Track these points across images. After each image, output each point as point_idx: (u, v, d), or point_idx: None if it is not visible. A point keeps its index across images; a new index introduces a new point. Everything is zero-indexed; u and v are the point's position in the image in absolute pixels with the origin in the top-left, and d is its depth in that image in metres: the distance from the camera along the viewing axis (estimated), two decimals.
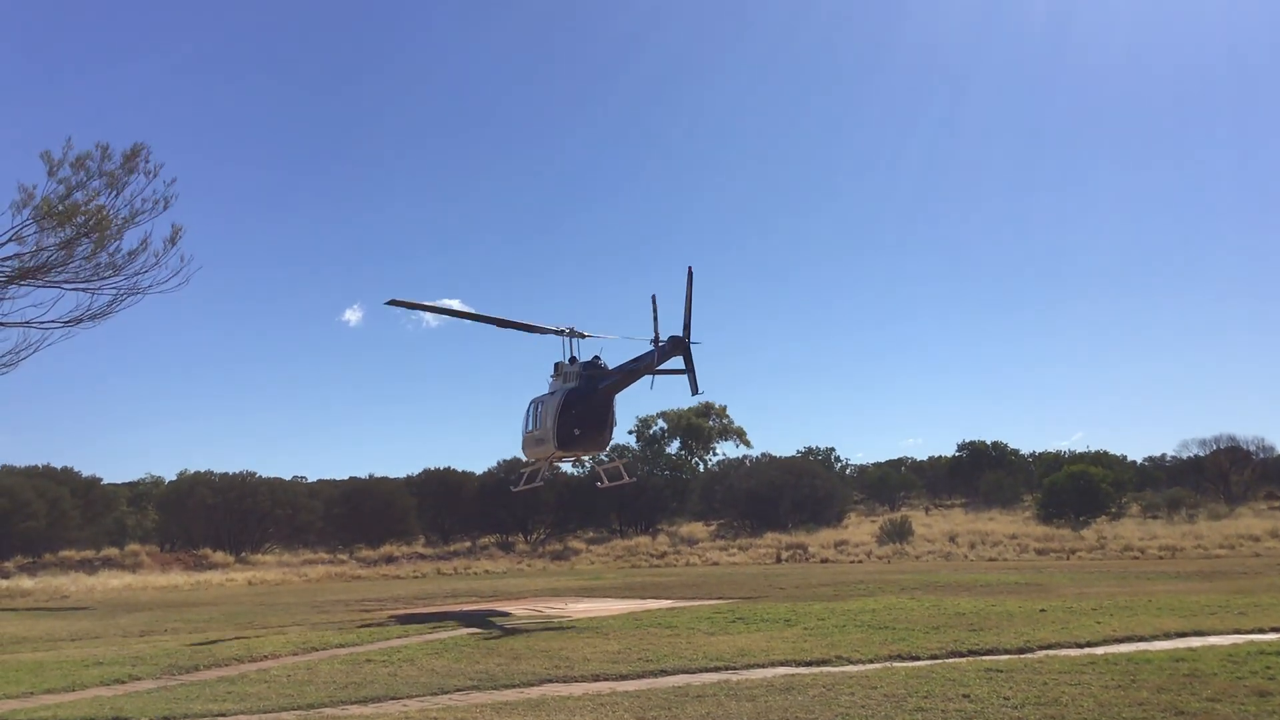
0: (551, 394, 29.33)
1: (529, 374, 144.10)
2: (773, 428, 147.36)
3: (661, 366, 26.87)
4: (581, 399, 28.23)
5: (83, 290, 21.87)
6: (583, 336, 29.05)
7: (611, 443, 29.50)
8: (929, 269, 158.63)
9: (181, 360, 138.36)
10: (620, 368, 28.17)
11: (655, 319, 26.37)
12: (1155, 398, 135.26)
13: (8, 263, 20.49)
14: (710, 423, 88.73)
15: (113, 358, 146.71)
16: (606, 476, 31.89)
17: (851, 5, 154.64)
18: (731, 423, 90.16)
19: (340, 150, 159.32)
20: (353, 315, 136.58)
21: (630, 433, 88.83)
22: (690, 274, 25.99)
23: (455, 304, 29.51)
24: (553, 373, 29.90)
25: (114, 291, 22.25)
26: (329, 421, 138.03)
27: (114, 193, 21.38)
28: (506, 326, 28.44)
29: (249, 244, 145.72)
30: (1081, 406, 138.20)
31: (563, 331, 28.90)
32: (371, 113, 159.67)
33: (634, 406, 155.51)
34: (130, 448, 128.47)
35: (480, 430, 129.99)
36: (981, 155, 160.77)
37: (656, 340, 26.53)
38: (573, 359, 29.16)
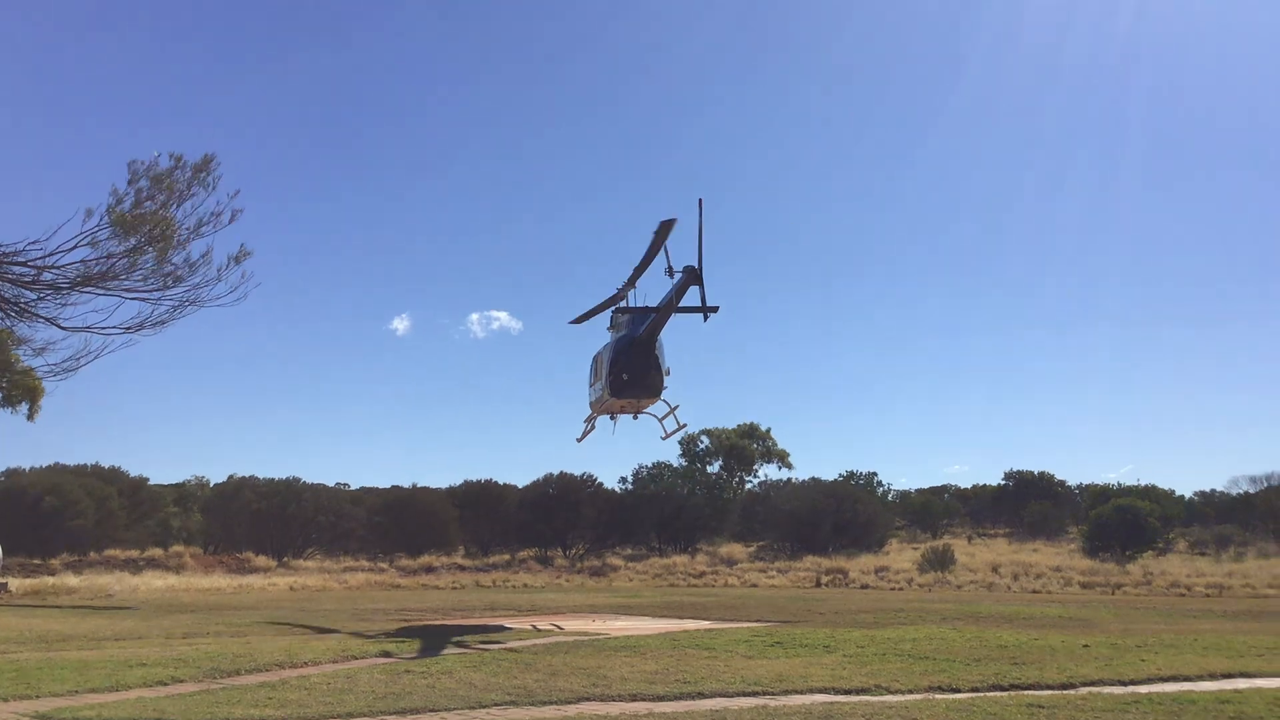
0: (606, 346, 30.35)
1: (573, 387, 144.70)
2: (816, 451, 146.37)
3: (683, 302, 27.29)
4: (629, 345, 28.89)
5: (142, 299, 22.21)
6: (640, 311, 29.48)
7: (665, 390, 29.80)
8: (982, 294, 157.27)
9: (231, 363, 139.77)
10: (654, 309, 28.59)
11: (666, 251, 27.15)
12: (1207, 431, 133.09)
13: (73, 268, 20.89)
14: (754, 444, 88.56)
15: (163, 359, 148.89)
16: (664, 427, 31.80)
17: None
18: (775, 444, 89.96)
19: (392, 159, 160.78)
20: (400, 324, 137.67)
21: (677, 451, 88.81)
22: (700, 205, 26.89)
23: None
24: (609, 325, 30.96)
25: (174, 301, 22.57)
26: (374, 429, 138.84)
27: (180, 203, 21.74)
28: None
29: (301, 249, 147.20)
30: (1131, 438, 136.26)
31: (621, 310, 30.09)
32: (425, 121, 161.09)
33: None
34: (178, 449, 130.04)
35: (523, 443, 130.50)
36: (1048, 178, 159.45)
37: (670, 270, 27.23)
38: (621, 308, 30.09)
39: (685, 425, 31.78)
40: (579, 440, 33.99)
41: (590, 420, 33.05)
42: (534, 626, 26.25)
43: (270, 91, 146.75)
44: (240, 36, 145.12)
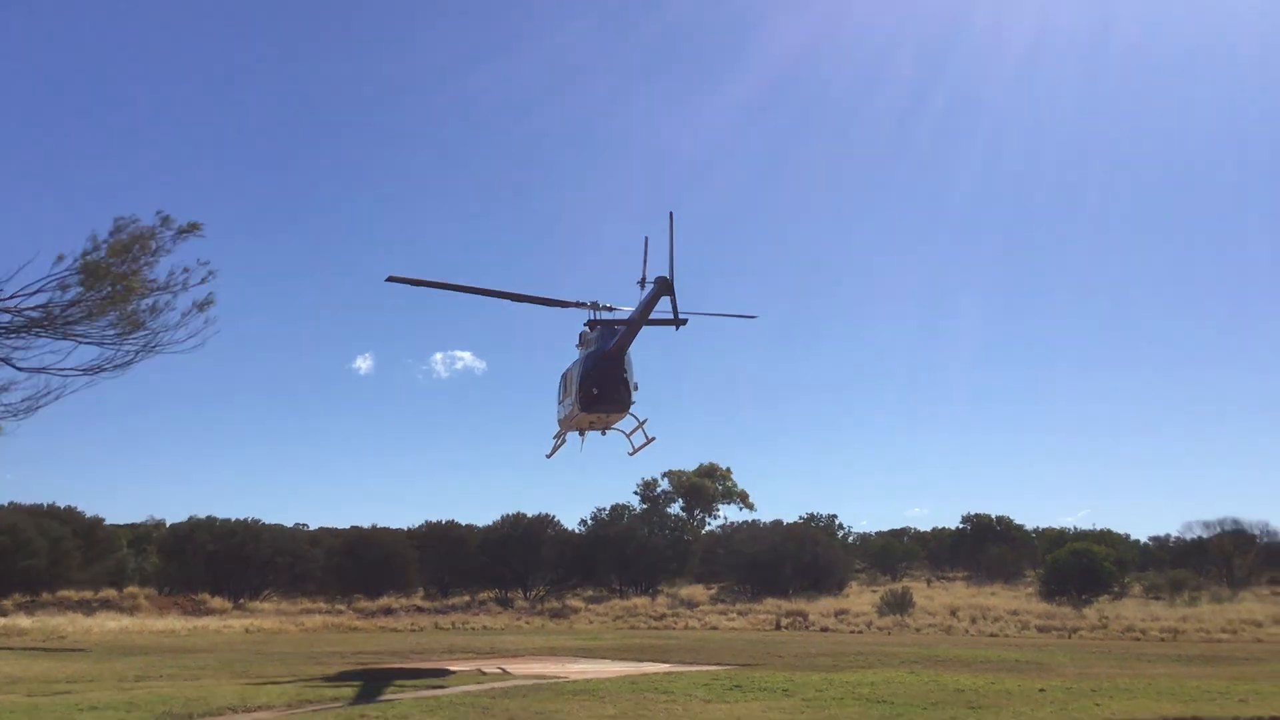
0: (575, 362, 30.76)
1: (536, 425, 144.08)
2: (777, 492, 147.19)
3: (654, 313, 27.42)
4: (597, 360, 29.18)
5: (103, 345, 22.19)
6: (610, 309, 30.05)
7: (634, 405, 30.12)
8: (942, 339, 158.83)
9: (190, 402, 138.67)
10: (623, 322, 29.02)
11: (645, 260, 27.03)
12: (1161, 477, 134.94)
13: (36, 310, 20.82)
14: (714, 484, 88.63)
15: (122, 398, 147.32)
16: (632, 442, 31.94)
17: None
18: (735, 485, 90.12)
19: (355, 198, 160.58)
20: (363, 363, 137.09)
21: (635, 493, 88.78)
22: (671, 218, 26.57)
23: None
24: (578, 343, 31.33)
25: (135, 347, 22.55)
26: (334, 469, 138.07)
27: (156, 262, 21.81)
28: (522, 301, 29.18)
29: (263, 285, 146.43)
30: (1088, 483, 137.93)
31: (585, 305, 30.12)
32: (389, 160, 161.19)
33: (641, 468, 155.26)
34: (135, 490, 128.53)
35: (484, 484, 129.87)
36: (998, 229, 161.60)
37: (644, 281, 27.18)
38: (591, 323, 30.47)
39: (654, 439, 31.76)
40: (548, 456, 34.34)
41: (559, 436, 33.40)
42: (484, 670, 26.12)
43: (233, 126, 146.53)
44: (201, 71, 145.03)
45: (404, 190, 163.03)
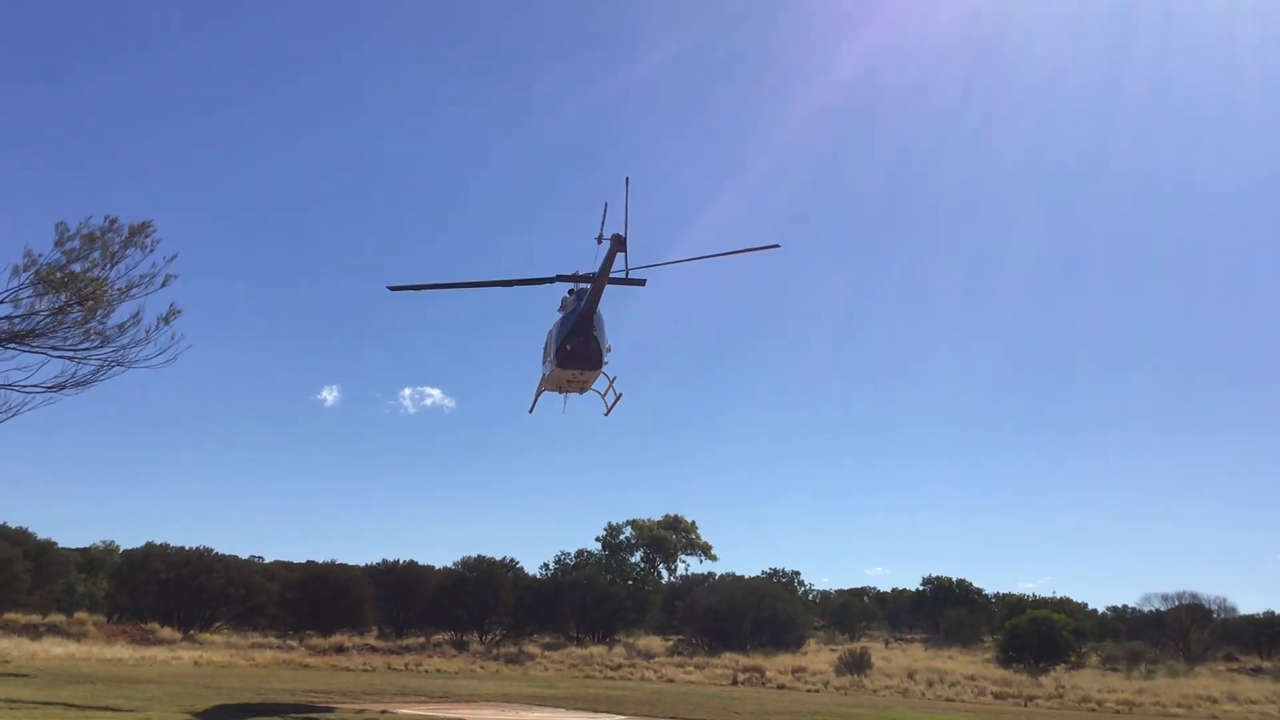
0: (555, 323, 33.07)
1: (504, 466, 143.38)
2: (739, 545, 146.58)
3: (614, 273, 29.72)
4: (570, 319, 31.56)
5: (68, 358, 21.87)
6: (589, 277, 31.64)
7: (606, 364, 32.45)
8: (910, 405, 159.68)
9: (149, 424, 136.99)
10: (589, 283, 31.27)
11: (603, 221, 29.41)
12: (1122, 548, 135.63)
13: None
14: (676, 536, 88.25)
15: (80, 418, 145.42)
16: (605, 402, 34.42)
17: None
18: (699, 537, 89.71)
19: (322, 226, 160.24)
20: (329, 395, 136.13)
21: (597, 540, 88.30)
22: (627, 183, 29.35)
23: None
24: (559, 306, 33.34)
25: (99, 361, 22.26)
26: (293, 501, 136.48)
27: (112, 265, 21.54)
28: (511, 285, 32.24)
29: (229, 312, 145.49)
30: (1049, 551, 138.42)
31: (568, 277, 32.23)
32: (354, 189, 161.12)
33: (603, 513, 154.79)
34: (89, 512, 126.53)
35: (447, 523, 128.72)
36: (968, 296, 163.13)
37: (600, 238, 29.47)
38: (572, 289, 32.57)
39: (621, 395, 34.08)
40: (530, 411, 36.81)
41: (538, 393, 35.64)
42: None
43: (201, 153, 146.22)
44: (170, 100, 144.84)
45: (379, 213, 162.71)
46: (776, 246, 33.65)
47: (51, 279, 20.49)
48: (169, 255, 22.80)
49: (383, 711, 25.59)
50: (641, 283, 31.11)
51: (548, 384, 34.41)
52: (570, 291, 32.90)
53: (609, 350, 32.24)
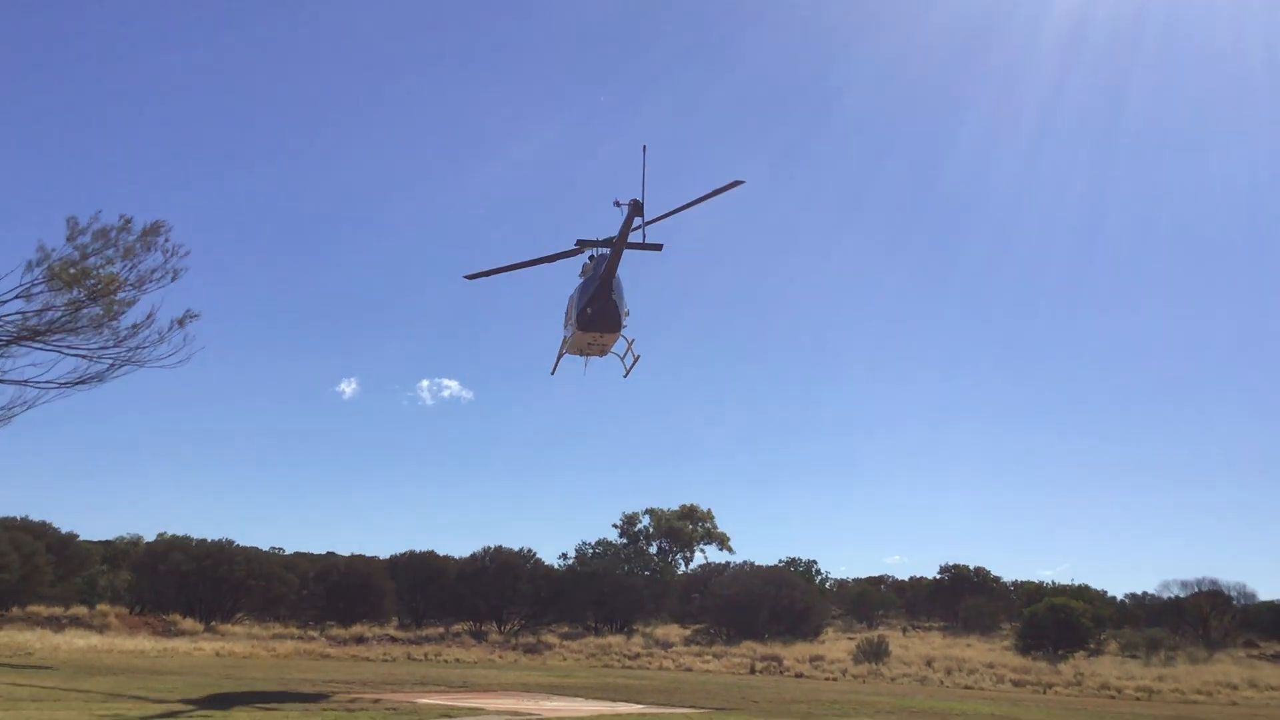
0: (576, 288, 34.36)
1: (522, 457, 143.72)
2: (756, 535, 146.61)
3: (633, 238, 30.92)
4: (590, 283, 32.82)
5: (82, 356, 22.03)
6: (607, 245, 32.82)
7: (625, 327, 33.68)
8: (925, 391, 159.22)
9: (171, 419, 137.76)
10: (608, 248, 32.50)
11: (643, 179, 30.61)
12: (1141, 534, 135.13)
13: (11, 320, 20.67)
14: (693, 526, 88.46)
15: (100, 412, 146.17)
16: (624, 364, 35.67)
17: None
18: (715, 527, 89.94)
19: (341, 220, 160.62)
20: (348, 387, 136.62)
21: (615, 526, 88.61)
22: (644, 150, 30.99)
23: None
24: (579, 273, 34.40)
25: (113, 359, 22.42)
26: (314, 493, 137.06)
27: (127, 264, 21.67)
28: (537, 263, 34.06)
29: (249, 305, 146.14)
30: (1068, 537, 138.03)
31: (597, 242, 33.14)
32: (373, 183, 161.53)
33: (621, 503, 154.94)
34: (111, 505, 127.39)
35: (466, 514, 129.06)
36: (983, 280, 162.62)
37: (617, 203, 30.60)
38: (592, 255, 33.67)
39: (639, 357, 35.23)
40: (551, 373, 38.09)
41: (560, 355, 36.78)
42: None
43: (219, 152, 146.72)
44: (183, 101, 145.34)
45: (397, 207, 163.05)
46: (741, 183, 33.80)
47: (64, 274, 20.63)
48: (182, 251, 23.01)
49: (403, 700, 25.77)
50: (658, 248, 31.81)
51: (569, 347, 35.43)
52: (590, 258, 33.84)
53: (628, 314, 33.34)
